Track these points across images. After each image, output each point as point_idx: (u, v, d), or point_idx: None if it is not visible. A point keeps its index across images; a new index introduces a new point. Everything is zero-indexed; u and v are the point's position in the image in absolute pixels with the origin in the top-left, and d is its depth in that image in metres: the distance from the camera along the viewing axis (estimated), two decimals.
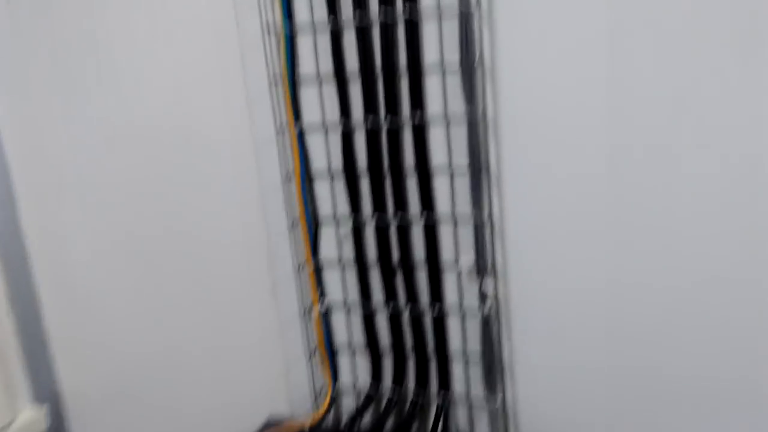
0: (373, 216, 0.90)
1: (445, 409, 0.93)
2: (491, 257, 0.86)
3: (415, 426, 0.95)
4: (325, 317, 0.99)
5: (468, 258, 0.87)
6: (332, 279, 0.97)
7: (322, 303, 0.98)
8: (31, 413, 1.14)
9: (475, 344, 0.91)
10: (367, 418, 0.96)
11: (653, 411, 0.86)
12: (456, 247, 0.88)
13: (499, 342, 0.89)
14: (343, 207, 0.93)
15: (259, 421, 1.01)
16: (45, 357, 1.21)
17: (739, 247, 0.76)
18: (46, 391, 1.19)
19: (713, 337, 0.80)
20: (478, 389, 0.92)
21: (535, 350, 0.89)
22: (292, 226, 0.95)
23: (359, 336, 0.98)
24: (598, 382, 0.88)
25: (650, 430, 0.87)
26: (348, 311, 0.98)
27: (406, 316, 0.93)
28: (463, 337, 0.91)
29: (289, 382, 1.04)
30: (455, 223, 0.87)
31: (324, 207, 0.94)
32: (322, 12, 0.85)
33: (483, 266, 0.86)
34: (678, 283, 0.80)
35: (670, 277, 0.80)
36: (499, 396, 0.90)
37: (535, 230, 0.84)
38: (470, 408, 0.93)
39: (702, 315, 0.80)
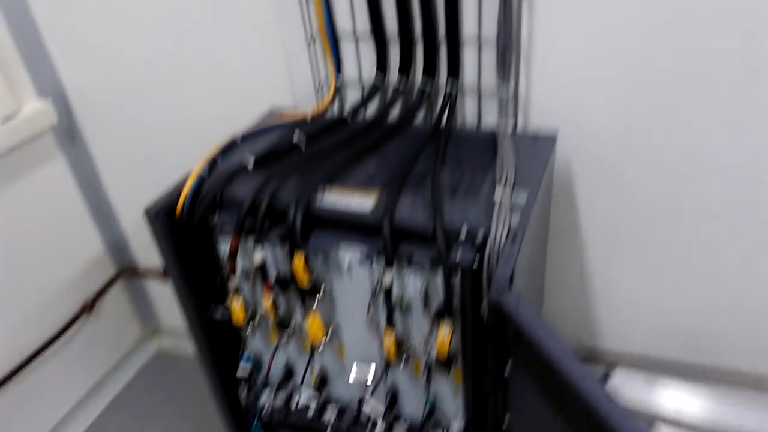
0: None
1: (453, 99, 0.88)
2: None
3: (420, 116, 0.92)
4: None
5: None
6: None
7: None
8: (36, 105, 1.13)
9: (490, 27, 0.81)
10: (371, 109, 0.93)
11: (672, 116, 0.80)
12: None
13: (519, 21, 0.79)
14: None
15: (262, 113, 0.99)
16: (42, 54, 1.16)
17: None
18: (50, 86, 1.17)
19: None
20: (489, 77, 0.86)
21: (558, 33, 0.80)
22: None
23: (364, 22, 0.88)
24: (620, 78, 0.81)
25: (665, 143, 0.83)
26: None
27: None
28: (478, 18, 0.81)
29: (292, 74, 0.99)
30: None
31: None
32: None
33: None
34: None
35: None
36: (512, 84, 0.84)
37: None
38: (480, 97, 0.88)
39: None
